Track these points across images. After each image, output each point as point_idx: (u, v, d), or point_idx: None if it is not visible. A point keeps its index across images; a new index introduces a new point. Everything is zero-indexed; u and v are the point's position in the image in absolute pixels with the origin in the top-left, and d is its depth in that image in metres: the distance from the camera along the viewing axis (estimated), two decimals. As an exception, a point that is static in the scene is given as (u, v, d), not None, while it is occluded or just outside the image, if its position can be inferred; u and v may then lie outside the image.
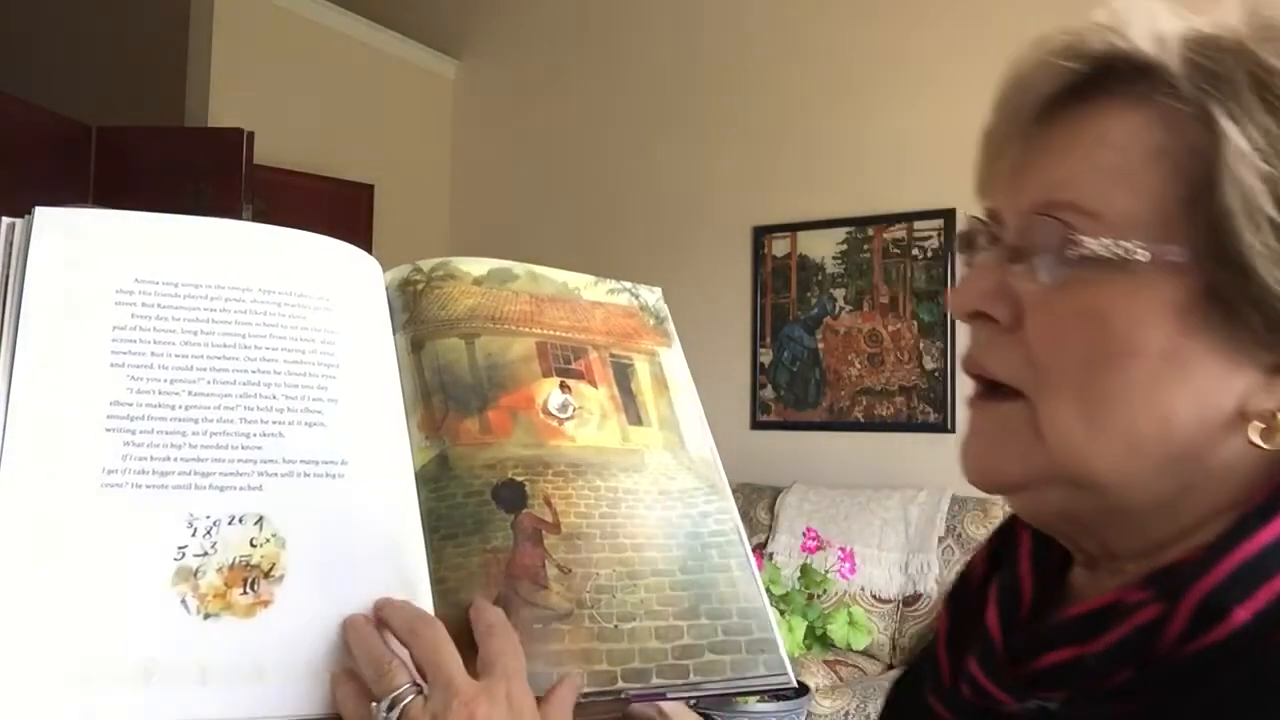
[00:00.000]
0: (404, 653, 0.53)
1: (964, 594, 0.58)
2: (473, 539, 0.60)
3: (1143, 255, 0.45)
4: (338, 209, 4.09)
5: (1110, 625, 0.46)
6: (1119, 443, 0.47)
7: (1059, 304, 0.48)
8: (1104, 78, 0.49)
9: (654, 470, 0.69)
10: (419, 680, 0.52)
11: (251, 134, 3.65)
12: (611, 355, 0.73)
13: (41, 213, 0.59)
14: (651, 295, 0.79)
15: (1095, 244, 0.46)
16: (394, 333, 0.67)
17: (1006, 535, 0.58)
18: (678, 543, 0.66)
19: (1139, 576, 0.47)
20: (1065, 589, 0.55)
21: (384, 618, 0.55)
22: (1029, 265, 0.49)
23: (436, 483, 0.62)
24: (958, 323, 4.12)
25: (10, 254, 0.58)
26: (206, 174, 3.49)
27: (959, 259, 0.54)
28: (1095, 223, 0.47)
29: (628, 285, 0.78)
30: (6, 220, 0.58)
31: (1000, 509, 3.32)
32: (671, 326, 0.78)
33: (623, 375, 0.73)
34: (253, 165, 3.65)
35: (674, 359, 0.76)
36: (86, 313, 0.58)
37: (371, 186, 4.31)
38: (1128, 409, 0.46)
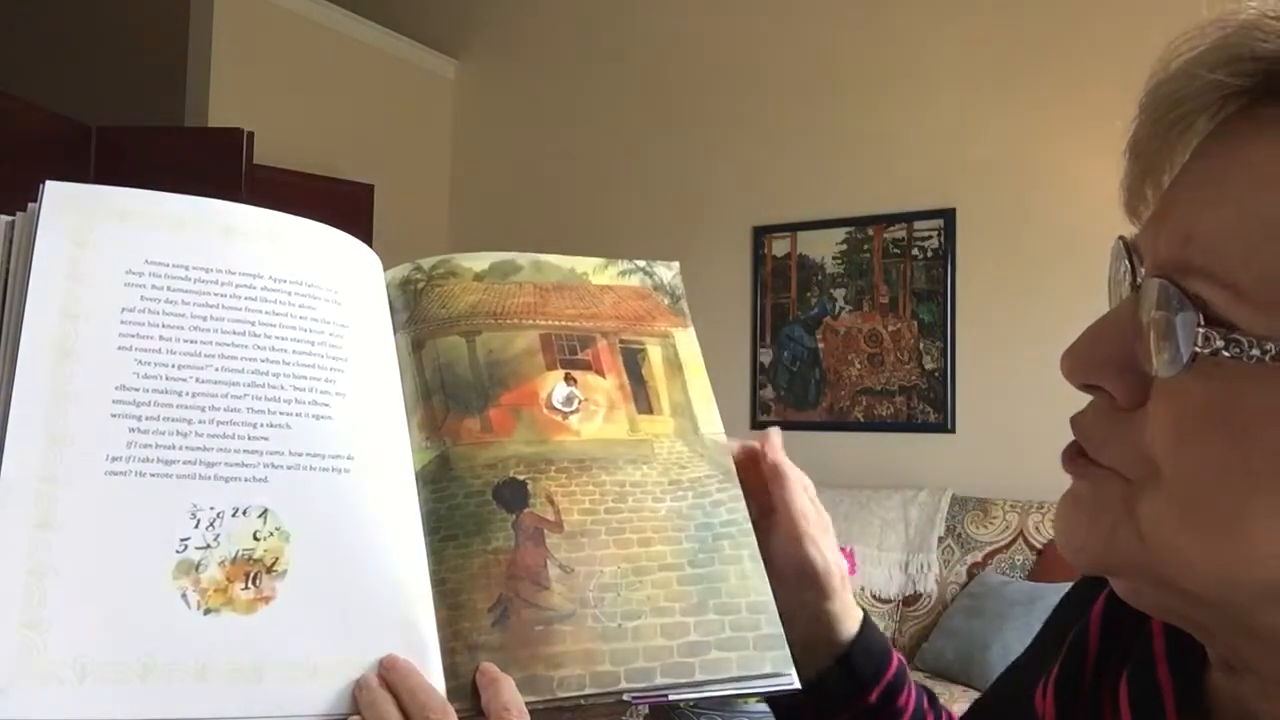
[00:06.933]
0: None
1: (1077, 675, 0.48)
2: (473, 540, 0.59)
3: None
4: (338, 209, 4.06)
5: None
6: (1235, 567, 0.36)
7: (1187, 396, 0.36)
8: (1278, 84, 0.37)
9: (664, 460, 0.66)
10: None
11: (251, 134, 3.64)
12: (621, 341, 0.71)
13: (52, 188, 0.58)
14: (668, 272, 0.76)
15: (1227, 337, 0.35)
16: (394, 332, 0.66)
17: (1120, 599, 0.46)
18: (688, 535, 0.64)
19: None
20: (1202, 692, 0.45)
21: (392, 685, 0.53)
22: (1160, 335, 0.37)
23: (437, 483, 0.61)
24: (959, 323, 4.07)
25: (13, 237, 0.57)
26: (206, 174, 3.48)
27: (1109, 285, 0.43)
28: (1236, 303, 0.35)
29: (642, 264, 0.75)
30: (5, 219, 0.58)
31: (1001, 510, 3.32)
32: (686, 305, 0.75)
33: (633, 361, 0.70)
34: (253, 165, 3.65)
35: (688, 339, 0.73)
36: (96, 293, 0.56)
37: (371, 186, 4.30)
38: (1264, 535, 0.35)
